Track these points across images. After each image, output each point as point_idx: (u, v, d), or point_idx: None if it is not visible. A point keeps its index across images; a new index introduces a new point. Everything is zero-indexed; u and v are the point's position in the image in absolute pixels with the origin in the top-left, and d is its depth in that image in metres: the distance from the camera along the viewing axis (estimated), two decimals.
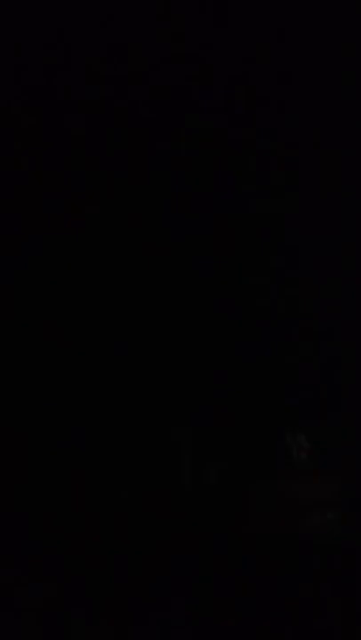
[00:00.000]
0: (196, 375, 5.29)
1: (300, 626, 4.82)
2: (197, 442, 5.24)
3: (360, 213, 5.42)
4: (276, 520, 5.12)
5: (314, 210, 5.41)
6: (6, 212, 5.38)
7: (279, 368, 5.31)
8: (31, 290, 5.34)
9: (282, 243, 5.39)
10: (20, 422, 5.24)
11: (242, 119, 5.39)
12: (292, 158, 5.42)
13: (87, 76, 5.40)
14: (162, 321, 5.31)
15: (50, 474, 5.20)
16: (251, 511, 5.14)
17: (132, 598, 4.92)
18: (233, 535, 5.09)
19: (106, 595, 4.94)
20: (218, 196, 5.40)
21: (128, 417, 5.26)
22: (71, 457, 5.22)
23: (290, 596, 4.90)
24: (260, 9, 5.39)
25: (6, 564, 5.03)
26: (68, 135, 5.39)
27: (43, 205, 5.38)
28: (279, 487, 5.19)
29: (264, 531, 5.10)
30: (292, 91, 5.40)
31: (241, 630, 4.82)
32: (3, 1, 5.38)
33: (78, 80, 5.39)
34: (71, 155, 5.39)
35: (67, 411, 5.24)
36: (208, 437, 5.25)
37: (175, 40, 5.36)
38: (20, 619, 4.83)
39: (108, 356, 5.29)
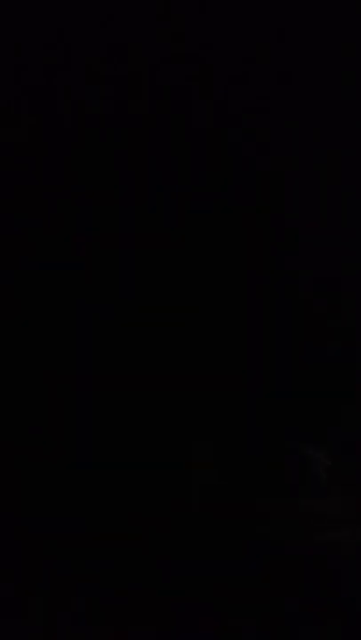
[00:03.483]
0: (213, 386, 5.28)
1: None
2: (212, 455, 5.23)
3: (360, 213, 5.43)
4: (288, 535, 5.11)
5: (314, 211, 5.41)
6: (6, 213, 5.38)
7: (299, 380, 5.29)
8: (33, 291, 5.35)
9: (296, 255, 5.38)
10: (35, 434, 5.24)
11: (242, 119, 5.40)
12: (293, 158, 5.42)
13: (87, 75, 5.40)
14: (177, 331, 5.31)
15: (53, 475, 5.21)
16: (264, 525, 5.13)
17: (136, 611, 4.92)
18: (245, 549, 5.08)
19: (109, 605, 4.94)
20: (218, 197, 5.40)
21: (141, 427, 5.25)
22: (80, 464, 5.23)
23: (300, 610, 4.88)
24: (260, 9, 5.39)
25: (6, 570, 5.04)
26: (68, 135, 5.39)
27: (43, 205, 5.38)
28: (294, 502, 5.18)
29: (276, 545, 5.08)
30: (292, 91, 5.40)
31: None
32: (3, 1, 5.38)
33: (78, 80, 5.40)
34: (71, 155, 5.39)
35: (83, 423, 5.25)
36: (223, 450, 5.23)
37: (175, 40, 5.36)
38: (20, 621, 4.83)
39: (120, 362, 5.29)
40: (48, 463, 5.21)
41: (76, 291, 5.34)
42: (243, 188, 5.40)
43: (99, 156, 5.40)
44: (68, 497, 5.18)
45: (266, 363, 5.30)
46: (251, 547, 5.06)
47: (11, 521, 5.14)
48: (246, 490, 5.19)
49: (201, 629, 4.76)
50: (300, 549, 5.06)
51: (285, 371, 5.29)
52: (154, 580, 4.98)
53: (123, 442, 5.22)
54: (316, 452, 5.25)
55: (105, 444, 5.22)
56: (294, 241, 5.39)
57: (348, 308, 5.36)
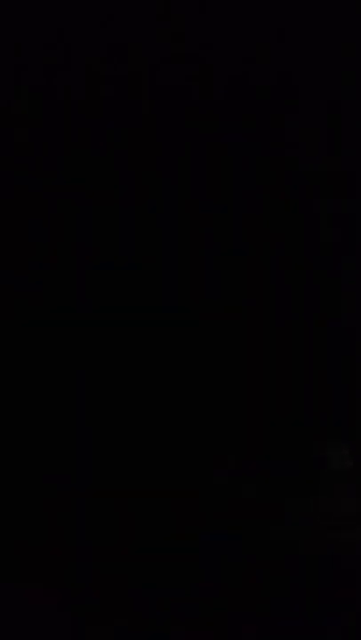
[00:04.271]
0: (237, 387, 5.28)
1: None
2: (236, 454, 5.23)
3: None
4: (309, 533, 5.11)
5: (315, 211, 5.41)
6: (6, 213, 5.38)
7: (322, 378, 5.29)
8: (34, 293, 5.35)
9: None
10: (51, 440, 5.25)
11: (242, 119, 5.40)
12: (293, 159, 5.42)
13: (87, 75, 5.40)
14: (194, 334, 5.32)
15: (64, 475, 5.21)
16: (286, 524, 5.13)
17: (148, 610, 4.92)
18: (266, 546, 5.08)
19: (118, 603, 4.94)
20: (217, 197, 5.40)
21: (166, 429, 5.26)
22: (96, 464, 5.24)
23: (315, 608, 4.87)
24: (261, 9, 5.39)
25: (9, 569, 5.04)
26: (68, 135, 5.39)
27: (43, 206, 5.38)
28: (315, 500, 5.17)
29: (296, 543, 5.08)
30: (291, 90, 5.40)
31: None
32: (3, 1, 5.38)
33: (78, 80, 5.39)
34: (71, 155, 5.39)
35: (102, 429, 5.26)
36: (247, 449, 5.23)
37: (175, 40, 5.36)
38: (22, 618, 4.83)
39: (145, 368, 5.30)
40: (51, 461, 5.21)
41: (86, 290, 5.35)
42: (243, 190, 5.40)
43: (99, 156, 5.40)
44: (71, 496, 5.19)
45: (286, 363, 5.30)
46: (267, 545, 5.07)
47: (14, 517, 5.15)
48: (265, 488, 5.20)
49: (215, 628, 4.77)
50: (316, 548, 5.07)
51: (306, 371, 5.29)
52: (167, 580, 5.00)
53: (136, 438, 5.24)
54: (337, 452, 5.26)
55: (118, 435, 5.24)
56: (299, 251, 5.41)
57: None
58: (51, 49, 5.38)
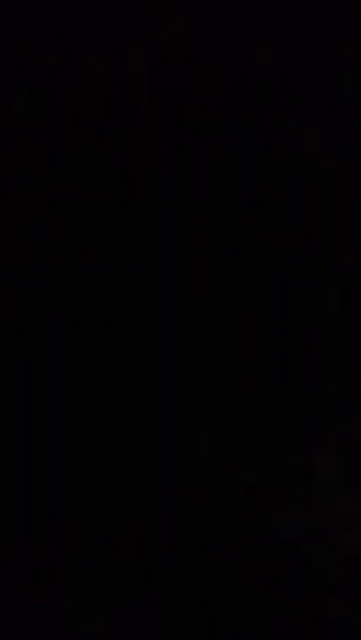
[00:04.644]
0: (225, 386, 5.27)
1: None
2: (224, 452, 5.22)
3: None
4: (300, 533, 5.10)
5: (315, 214, 5.41)
6: (6, 213, 5.38)
7: (311, 379, 5.28)
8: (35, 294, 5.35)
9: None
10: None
11: (242, 119, 5.39)
12: (293, 159, 5.42)
13: (87, 75, 5.40)
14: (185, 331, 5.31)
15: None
16: (276, 523, 5.12)
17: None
18: (256, 546, 5.07)
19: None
20: (217, 198, 5.39)
21: (151, 425, 5.25)
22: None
23: (310, 609, 4.87)
24: (261, 9, 5.39)
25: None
26: (67, 135, 5.39)
27: (42, 206, 5.38)
28: (307, 500, 5.16)
29: (287, 544, 5.07)
30: (291, 90, 5.40)
31: None
32: (3, 1, 5.38)
33: (78, 80, 5.39)
34: (71, 155, 5.39)
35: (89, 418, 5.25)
36: (235, 448, 5.22)
37: (175, 40, 5.36)
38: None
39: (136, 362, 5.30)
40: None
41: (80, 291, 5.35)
42: (243, 191, 5.40)
43: (98, 156, 5.40)
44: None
45: (278, 364, 5.30)
46: (263, 546, 5.06)
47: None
48: (258, 488, 5.19)
49: (208, 630, 4.77)
50: (312, 549, 5.06)
51: (295, 373, 5.28)
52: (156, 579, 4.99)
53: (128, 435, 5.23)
54: (331, 453, 5.24)
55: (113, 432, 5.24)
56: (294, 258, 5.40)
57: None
58: (50, 49, 5.38)
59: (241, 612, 4.86)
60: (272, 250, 5.36)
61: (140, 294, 5.32)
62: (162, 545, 5.05)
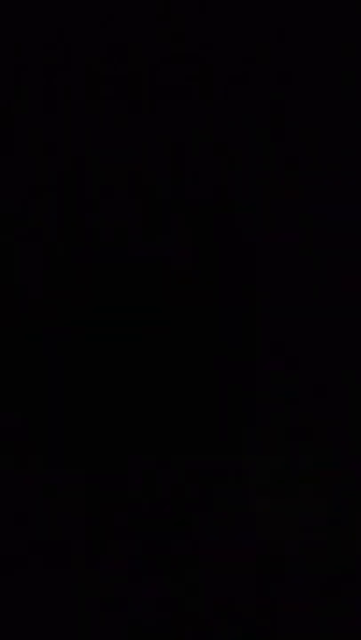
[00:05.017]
0: (155, 387, 5.27)
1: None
2: (153, 454, 5.21)
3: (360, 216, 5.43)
4: (228, 534, 5.09)
5: (315, 213, 5.41)
6: (6, 213, 5.39)
7: (238, 380, 5.28)
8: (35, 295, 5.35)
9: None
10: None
11: (242, 119, 5.40)
12: (293, 159, 5.42)
13: (87, 75, 5.40)
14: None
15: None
16: (204, 524, 5.11)
17: None
18: (183, 547, 5.07)
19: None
20: (217, 198, 5.40)
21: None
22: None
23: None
24: (260, 9, 5.39)
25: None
26: (68, 135, 5.39)
27: (42, 206, 5.38)
28: (240, 503, 5.15)
29: (215, 544, 5.07)
30: (291, 91, 5.40)
31: None
32: (3, 1, 5.39)
33: (78, 80, 5.40)
34: (71, 155, 5.40)
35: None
36: (164, 449, 5.21)
37: (175, 40, 5.36)
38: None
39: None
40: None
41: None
42: (242, 191, 5.40)
43: (99, 156, 5.40)
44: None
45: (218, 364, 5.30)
46: (189, 546, 5.06)
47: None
48: (186, 491, 5.18)
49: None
50: (240, 550, 5.06)
51: (223, 374, 5.28)
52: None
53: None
54: (259, 454, 5.23)
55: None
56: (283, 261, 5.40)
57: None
58: (50, 49, 5.39)
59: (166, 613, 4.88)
60: (270, 248, 5.38)
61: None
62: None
